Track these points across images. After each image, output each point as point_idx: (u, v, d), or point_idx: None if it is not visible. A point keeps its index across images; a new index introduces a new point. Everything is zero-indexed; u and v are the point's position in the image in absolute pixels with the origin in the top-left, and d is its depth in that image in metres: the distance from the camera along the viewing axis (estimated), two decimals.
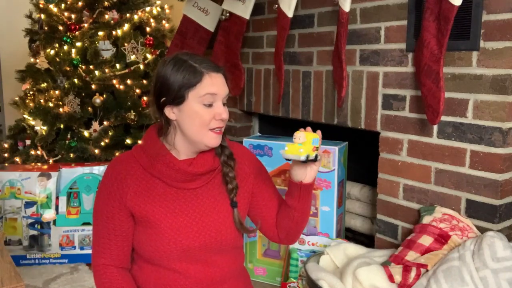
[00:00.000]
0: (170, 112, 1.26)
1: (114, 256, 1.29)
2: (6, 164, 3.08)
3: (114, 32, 3.30)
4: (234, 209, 1.32)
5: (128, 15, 3.41)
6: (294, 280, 2.09)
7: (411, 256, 1.68)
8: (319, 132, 1.29)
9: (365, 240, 2.30)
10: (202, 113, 1.24)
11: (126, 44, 3.26)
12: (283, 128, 2.76)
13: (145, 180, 1.29)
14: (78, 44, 3.23)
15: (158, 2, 3.74)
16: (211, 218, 1.29)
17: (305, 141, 1.24)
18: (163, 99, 1.25)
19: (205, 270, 1.29)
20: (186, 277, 1.27)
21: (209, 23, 2.83)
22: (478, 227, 1.70)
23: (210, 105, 1.25)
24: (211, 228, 1.28)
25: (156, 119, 1.33)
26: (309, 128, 1.29)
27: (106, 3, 3.35)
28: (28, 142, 3.31)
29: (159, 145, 1.29)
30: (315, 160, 1.27)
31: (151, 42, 3.38)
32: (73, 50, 3.23)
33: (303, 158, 1.23)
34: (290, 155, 1.25)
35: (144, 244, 1.28)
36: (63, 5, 3.31)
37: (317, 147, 1.28)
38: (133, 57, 3.27)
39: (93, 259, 1.32)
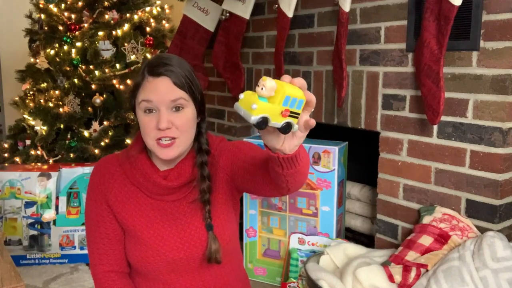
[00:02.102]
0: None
1: (112, 261, 1.24)
2: (6, 164, 3.08)
3: (114, 32, 3.30)
4: (209, 232, 1.20)
5: (128, 15, 3.41)
6: (294, 280, 2.09)
7: (411, 256, 1.68)
8: (307, 94, 0.83)
9: (365, 240, 2.30)
10: (143, 121, 1.15)
11: (126, 44, 3.26)
12: None
13: (127, 187, 1.23)
14: (78, 44, 3.23)
15: (158, 2, 3.74)
16: (195, 229, 1.21)
17: (271, 96, 0.79)
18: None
19: (197, 281, 1.23)
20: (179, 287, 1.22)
21: (209, 23, 2.83)
22: (478, 227, 1.70)
23: (150, 112, 1.14)
24: (196, 239, 1.20)
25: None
26: (296, 80, 0.82)
27: (106, 3, 3.35)
28: (28, 142, 3.31)
29: (140, 152, 1.22)
30: (284, 130, 0.83)
31: (151, 42, 3.38)
32: (73, 50, 3.23)
33: (253, 119, 0.78)
34: (240, 107, 0.81)
35: (130, 254, 1.23)
36: (63, 5, 3.31)
37: (294, 112, 0.81)
38: (133, 57, 3.27)
39: (92, 268, 1.26)
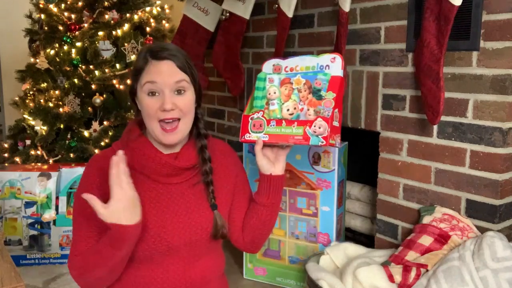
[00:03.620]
0: (138, 103, 1.25)
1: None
2: (6, 164, 3.08)
3: (114, 32, 3.30)
4: (214, 212, 1.26)
5: (128, 15, 3.41)
6: (259, 109, 1.39)
7: (411, 256, 1.68)
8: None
9: (365, 240, 2.30)
10: (146, 103, 1.19)
11: (126, 44, 3.27)
12: None
13: (130, 175, 1.22)
14: (78, 44, 3.23)
15: (158, 2, 3.75)
16: (196, 214, 1.25)
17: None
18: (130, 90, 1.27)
19: (186, 271, 1.24)
20: (166, 278, 1.23)
21: (209, 23, 2.84)
22: (478, 227, 1.70)
23: (154, 94, 1.18)
24: (196, 225, 1.24)
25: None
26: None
27: (106, 3, 3.35)
28: (28, 142, 3.31)
29: (142, 139, 1.25)
30: None
31: (151, 42, 3.38)
32: (73, 50, 3.23)
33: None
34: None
35: None
36: (63, 5, 3.31)
37: None
38: (133, 57, 3.27)
39: (71, 258, 1.21)
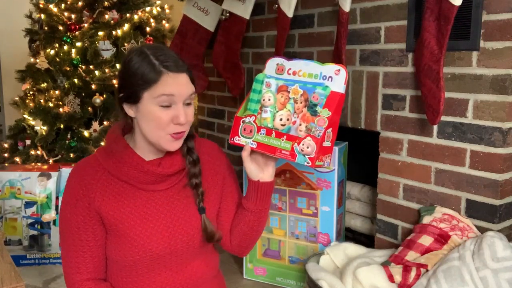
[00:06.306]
0: (128, 109, 1.20)
1: (90, 268, 1.20)
2: (6, 164, 3.08)
3: (114, 32, 3.30)
4: (202, 215, 1.24)
5: (128, 15, 3.41)
6: (252, 114, 1.36)
7: (411, 256, 1.68)
8: None
9: (365, 240, 2.30)
10: (159, 115, 1.14)
11: (126, 44, 3.27)
12: None
13: (112, 185, 1.20)
14: (78, 44, 3.23)
15: (158, 2, 3.75)
16: (182, 221, 1.22)
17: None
18: (121, 94, 1.20)
19: (174, 278, 1.23)
20: (154, 285, 1.22)
21: (209, 23, 2.84)
22: (478, 227, 1.70)
23: (167, 106, 1.15)
24: (183, 232, 1.22)
25: (117, 116, 1.25)
26: None
27: (106, 3, 3.35)
28: (28, 142, 3.31)
29: (124, 145, 1.21)
30: None
31: (151, 42, 3.38)
32: (73, 50, 3.23)
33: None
34: None
35: (113, 253, 1.21)
36: (63, 5, 3.31)
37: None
38: None
39: (67, 276, 1.21)
